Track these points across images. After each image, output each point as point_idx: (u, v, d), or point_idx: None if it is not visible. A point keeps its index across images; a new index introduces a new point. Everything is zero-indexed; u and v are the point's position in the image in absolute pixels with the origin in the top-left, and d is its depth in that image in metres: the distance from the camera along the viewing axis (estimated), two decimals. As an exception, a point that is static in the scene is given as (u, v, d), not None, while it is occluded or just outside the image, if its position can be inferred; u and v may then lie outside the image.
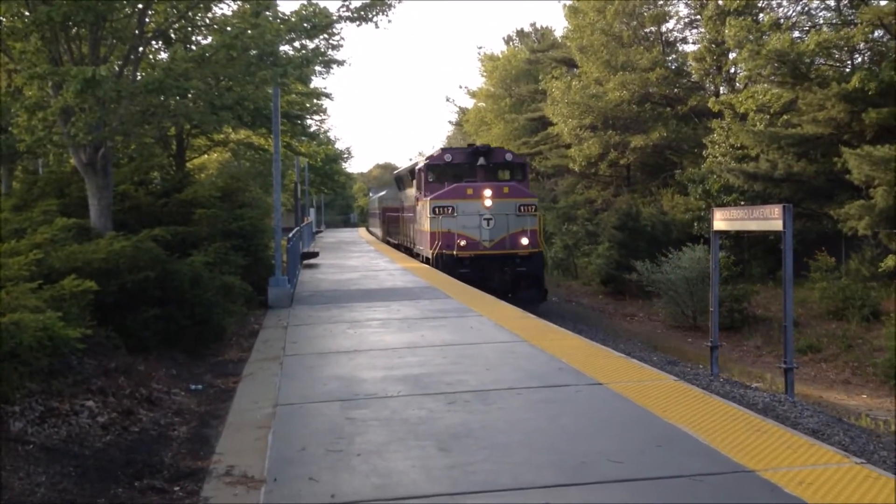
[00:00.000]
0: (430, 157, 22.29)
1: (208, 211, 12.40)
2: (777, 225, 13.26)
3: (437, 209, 19.64)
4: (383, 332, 9.61)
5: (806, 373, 16.54)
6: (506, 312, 11.22)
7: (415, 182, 23.40)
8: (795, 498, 3.98)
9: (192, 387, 7.45)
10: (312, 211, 51.29)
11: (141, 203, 12.03)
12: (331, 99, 33.30)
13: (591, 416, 5.66)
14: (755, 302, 22.48)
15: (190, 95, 10.77)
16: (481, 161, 21.02)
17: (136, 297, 8.10)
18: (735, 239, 26.37)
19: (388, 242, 34.70)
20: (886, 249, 21.63)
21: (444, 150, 22.71)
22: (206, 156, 24.09)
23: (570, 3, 39.90)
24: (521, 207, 19.74)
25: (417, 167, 22.71)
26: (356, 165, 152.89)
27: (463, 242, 19.21)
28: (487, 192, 19.54)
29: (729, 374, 15.38)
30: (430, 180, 21.37)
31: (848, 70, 25.90)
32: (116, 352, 7.32)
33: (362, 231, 57.81)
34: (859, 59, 27.03)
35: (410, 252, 25.71)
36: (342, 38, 12.39)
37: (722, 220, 14.10)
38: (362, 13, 11.91)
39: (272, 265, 13.44)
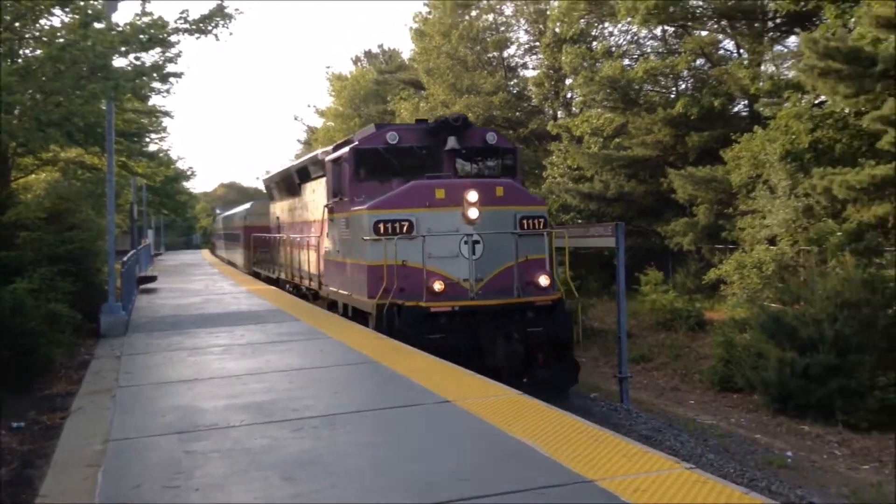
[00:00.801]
0: (361, 139, 13.59)
1: (33, 234, 11.58)
2: (610, 242, 14.05)
3: (381, 225, 11.71)
4: (226, 359, 9.28)
5: (639, 381, 17.48)
6: (357, 334, 11.14)
7: (323, 182, 15.34)
8: (631, 505, 4.16)
9: (14, 424, 6.89)
10: (151, 232, 49.01)
11: (-43, 227, 11.06)
12: (171, 117, 31.98)
13: (439, 435, 5.71)
14: (592, 315, 23.52)
15: (16, 112, 10.05)
16: (451, 143, 12.88)
17: (-52, 330, 7.42)
18: (573, 255, 27.57)
19: (256, 276, 25.97)
20: (709, 263, 23.37)
21: (381, 128, 13.81)
22: (33, 175, 22.47)
23: (417, 26, 40.65)
24: (526, 221, 12.15)
25: (333, 157, 14.07)
26: (200, 185, 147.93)
27: (438, 285, 11.30)
28: (472, 196, 11.59)
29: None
30: (362, 177, 12.98)
31: (673, 96, 27.87)
32: (-75, 390, 6.65)
33: (206, 253, 55.78)
34: (683, 86, 29.15)
35: (300, 292, 18.13)
36: (180, 52, 11.94)
37: (561, 238, 14.75)
38: (201, 25, 11.57)
39: (105, 291, 12.71)
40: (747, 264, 19.85)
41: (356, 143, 13.41)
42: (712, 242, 23.68)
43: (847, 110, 18.64)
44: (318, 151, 16.69)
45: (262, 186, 35.09)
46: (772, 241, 20.07)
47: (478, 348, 10.98)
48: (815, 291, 14.87)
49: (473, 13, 37.99)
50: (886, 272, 15.74)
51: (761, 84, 23.13)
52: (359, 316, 12.54)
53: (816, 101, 20.63)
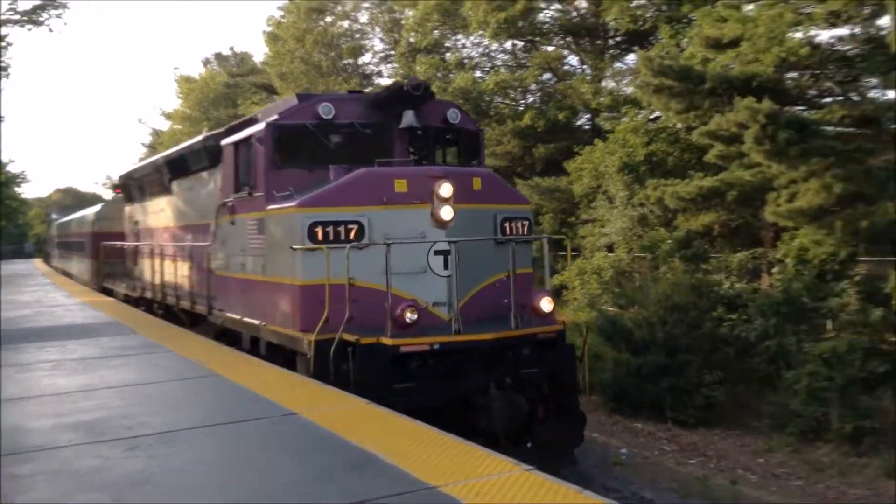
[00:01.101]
0: (282, 113, 9.95)
1: None
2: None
3: (319, 229, 8.65)
4: (56, 375, 8.72)
5: (490, 386, 17.85)
6: (199, 346, 10.76)
7: (212, 175, 12.20)
8: (471, 509, 4.26)
9: None
10: (-24, 240, 45.29)
11: None
12: None
13: (283, 448, 5.62)
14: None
15: None
16: (409, 119, 9.65)
17: None
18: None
19: (108, 293, 21.70)
20: (552, 269, 24.31)
21: (307, 99, 10.17)
22: None
23: (270, 29, 39.93)
24: (508, 224, 9.45)
25: (238, 139, 10.65)
26: (33, 190, 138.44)
27: (410, 314, 8.01)
28: (445, 189, 8.60)
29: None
30: (282, 164, 9.67)
31: (521, 109, 28.81)
32: None
33: (39, 263, 52.13)
34: (531, 99, 30.18)
35: (168, 314, 14.87)
36: (9, 44, 11.21)
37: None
38: (33, 16, 10.93)
39: (-82, 304, 11.66)
40: (588, 270, 20.79)
41: (275, 117, 9.88)
42: (556, 250, 24.67)
43: (678, 125, 19.96)
44: (202, 136, 13.60)
45: (102, 192, 33.08)
46: (610, 248, 21.15)
47: (463, 402, 8.20)
48: (648, 296, 15.81)
49: (328, 19, 37.78)
50: (711, 277, 16.97)
51: (602, 99, 24.37)
52: (275, 354, 9.34)
53: (651, 117, 21.97)
